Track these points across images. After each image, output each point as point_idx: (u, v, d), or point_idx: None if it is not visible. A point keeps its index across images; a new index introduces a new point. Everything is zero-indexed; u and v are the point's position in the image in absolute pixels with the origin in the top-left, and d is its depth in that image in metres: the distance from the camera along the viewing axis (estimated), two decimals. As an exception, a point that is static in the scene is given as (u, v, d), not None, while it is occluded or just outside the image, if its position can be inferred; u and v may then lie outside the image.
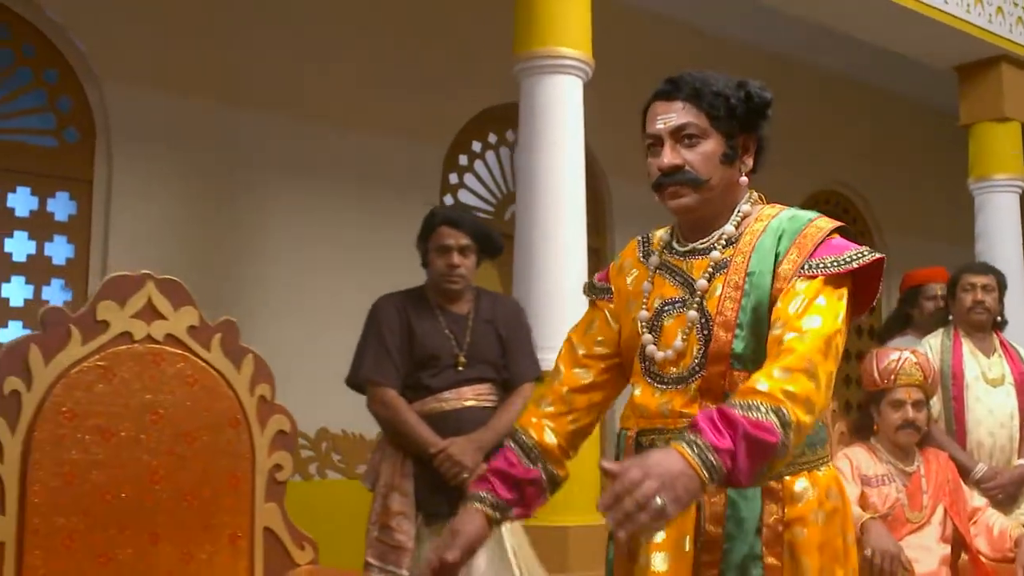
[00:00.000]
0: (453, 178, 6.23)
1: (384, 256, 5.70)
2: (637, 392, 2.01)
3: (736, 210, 1.99)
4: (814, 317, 1.80)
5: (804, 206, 8.25)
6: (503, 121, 6.37)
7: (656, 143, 1.97)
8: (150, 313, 2.52)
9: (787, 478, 1.90)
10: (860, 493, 3.31)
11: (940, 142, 8.71)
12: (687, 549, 1.90)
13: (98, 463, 2.40)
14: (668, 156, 1.94)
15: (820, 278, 1.85)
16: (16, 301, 4.79)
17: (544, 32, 3.97)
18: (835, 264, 1.87)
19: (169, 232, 5.07)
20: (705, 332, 1.91)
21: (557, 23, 3.98)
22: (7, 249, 4.78)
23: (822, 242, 1.90)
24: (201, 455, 2.54)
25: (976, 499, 3.52)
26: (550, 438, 2.03)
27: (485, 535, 1.93)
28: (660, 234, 2.10)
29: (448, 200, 6.16)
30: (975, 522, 3.44)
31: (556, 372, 2.11)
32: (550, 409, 2.06)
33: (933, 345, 4.20)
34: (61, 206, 4.94)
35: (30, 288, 4.83)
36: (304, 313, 5.35)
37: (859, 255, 1.89)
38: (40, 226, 4.87)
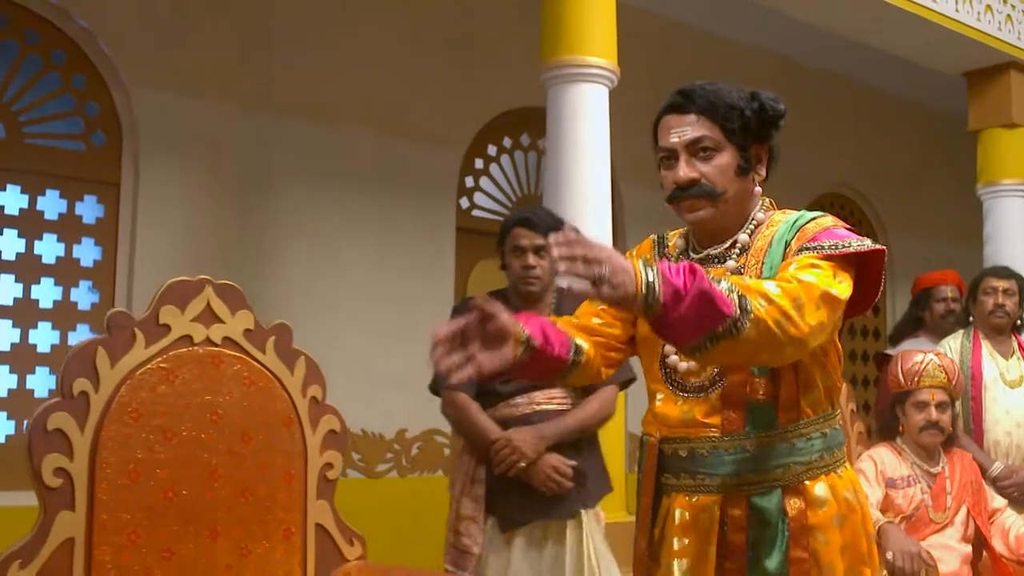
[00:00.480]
0: (469, 181, 6.32)
1: (403, 259, 5.81)
2: (658, 400, 2.05)
3: (750, 218, 2.02)
4: (808, 274, 1.80)
5: (810, 208, 8.35)
6: (519, 125, 6.47)
7: (670, 156, 1.99)
8: (209, 317, 2.60)
9: (807, 482, 1.95)
10: (884, 495, 3.38)
11: (946, 146, 8.83)
12: (710, 557, 1.95)
13: (161, 461, 2.47)
14: (684, 170, 1.96)
15: (817, 253, 1.85)
16: (45, 303, 4.86)
17: (571, 41, 4.06)
18: (833, 247, 1.87)
19: (194, 234, 5.15)
20: None
21: (584, 32, 4.07)
22: (37, 251, 4.86)
23: (823, 231, 1.91)
24: (258, 454, 2.62)
25: (996, 500, 3.60)
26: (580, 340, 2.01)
27: (511, 328, 1.80)
28: (675, 238, 2.13)
29: (464, 203, 6.25)
30: (992, 523, 3.51)
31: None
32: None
33: (953, 346, 4.30)
34: (89, 209, 5.01)
35: (59, 290, 4.90)
36: (325, 315, 5.42)
37: (859, 242, 1.88)
38: (69, 229, 4.94)
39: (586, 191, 4.01)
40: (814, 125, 7.89)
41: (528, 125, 6.48)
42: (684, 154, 1.96)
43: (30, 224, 4.84)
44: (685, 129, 1.95)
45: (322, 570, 2.70)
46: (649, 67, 6.14)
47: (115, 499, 2.40)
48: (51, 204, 4.91)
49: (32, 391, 4.78)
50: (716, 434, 1.96)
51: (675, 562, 1.97)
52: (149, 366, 2.49)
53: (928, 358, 3.52)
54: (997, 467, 4.09)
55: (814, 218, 1.98)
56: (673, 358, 2.00)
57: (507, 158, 6.53)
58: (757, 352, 1.74)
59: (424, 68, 5.95)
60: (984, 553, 3.46)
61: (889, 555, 3.07)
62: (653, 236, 2.19)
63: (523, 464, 3.01)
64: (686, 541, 1.97)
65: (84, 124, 5.02)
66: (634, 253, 2.18)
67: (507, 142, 6.51)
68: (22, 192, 4.84)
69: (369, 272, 5.70)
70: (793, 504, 1.93)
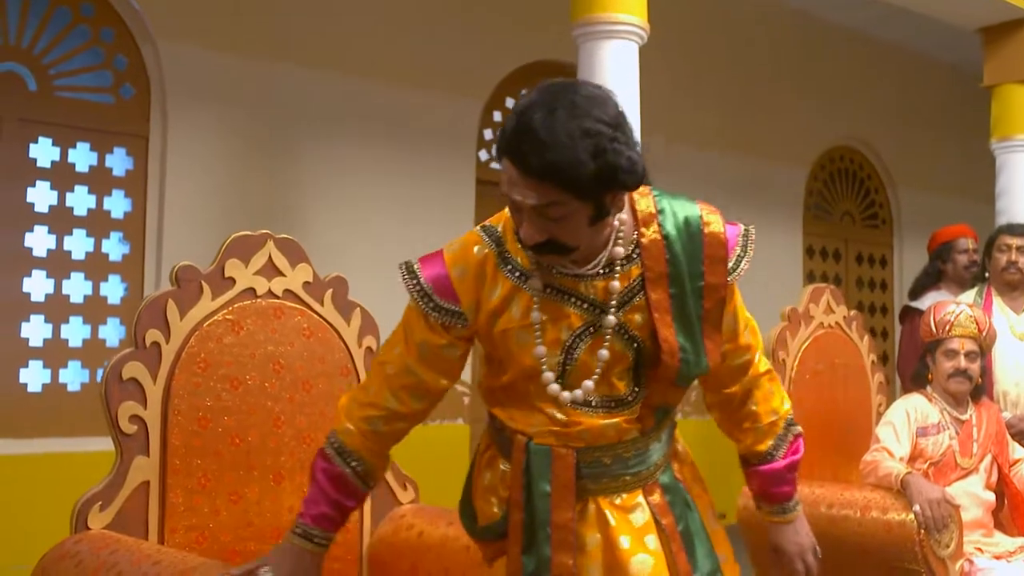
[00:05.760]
0: (488, 134, 6.38)
1: (424, 211, 5.89)
2: (560, 415, 1.90)
3: (615, 233, 1.87)
4: (763, 360, 2.11)
5: (820, 161, 8.45)
6: (536, 78, 6.51)
7: (516, 206, 1.77)
8: (271, 270, 2.69)
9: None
10: (913, 446, 3.48)
11: (956, 100, 8.88)
12: (654, 547, 1.93)
13: (228, 409, 2.57)
14: (530, 232, 1.76)
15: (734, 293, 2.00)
16: (78, 254, 4.95)
17: (602, -3, 4.11)
18: (740, 266, 1.95)
19: (221, 186, 5.23)
20: (633, 354, 1.90)
21: (615, -12, 4.11)
22: (68, 203, 4.93)
23: (722, 247, 1.92)
24: (317, 401, 2.73)
25: (1017, 451, 3.72)
26: (371, 455, 2.09)
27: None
28: (517, 245, 1.88)
29: (483, 156, 6.32)
30: (1015, 473, 3.63)
31: (379, 392, 2.06)
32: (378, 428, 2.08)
33: (967, 300, 4.41)
34: (119, 161, 5.09)
35: (91, 241, 4.99)
36: (345, 266, 5.45)
37: (744, 245, 1.96)
38: (99, 181, 5.02)
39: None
40: (826, 78, 7.94)
41: (546, 78, 6.51)
42: (530, 213, 1.74)
43: (62, 176, 4.91)
44: (528, 193, 1.71)
45: (378, 513, 2.82)
46: (668, 23, 6.17)
47: (186, 445, 2.50)
48: (82, 156, 4.98)
49: (66, 340, 4.88)
50: (637, 435, 1.96)
51: (633, 561, 1.89)
52: (216, 318, 2.58)
53: (961, 308, 3.61)
54: (1005, 416, 4.21)
55: (699, 219, 1.92)
56: (565, 394, 1.89)
57: (525, 111, 6.58)
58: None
59: (445, 20, 6.00)
60: (1006, 502, 3.57)
61: (916, 508, 3.15)
62: (482, 242, 1.92)
63: None
64: (628, 540, 1.92)
65: (113, 77, 5.07)
66: (463, 274, 1.93)
67: (524, 94, 6.55)
68: (54, 144, 4.90)
69: (390, 223, 5.78)
70: (676, 468, 2.05)
